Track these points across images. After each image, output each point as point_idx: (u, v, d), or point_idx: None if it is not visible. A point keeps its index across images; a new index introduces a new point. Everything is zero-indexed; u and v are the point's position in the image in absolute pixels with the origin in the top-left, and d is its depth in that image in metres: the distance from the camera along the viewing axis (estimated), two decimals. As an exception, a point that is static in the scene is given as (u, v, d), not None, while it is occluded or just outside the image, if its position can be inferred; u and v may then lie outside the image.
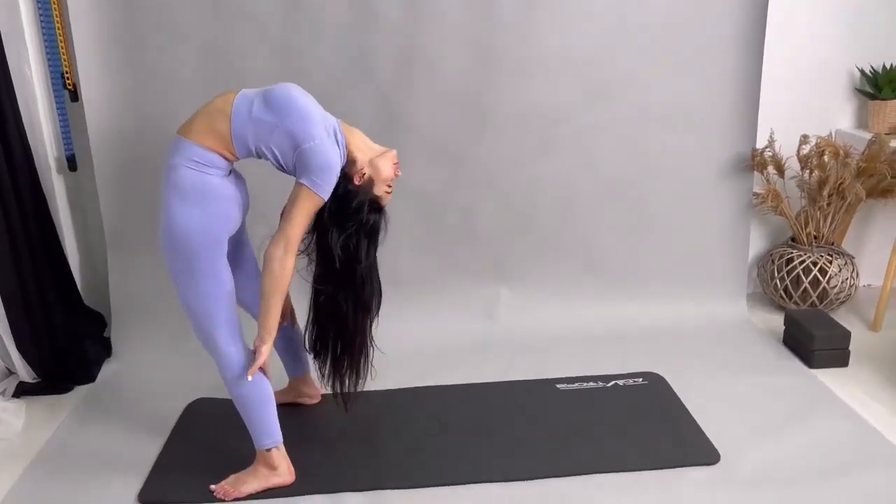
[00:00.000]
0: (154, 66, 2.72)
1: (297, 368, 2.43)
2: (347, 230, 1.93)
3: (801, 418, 2.37)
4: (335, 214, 1.93)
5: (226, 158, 1.91)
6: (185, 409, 2.47)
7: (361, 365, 2.11)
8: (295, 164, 1.88)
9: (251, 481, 2.03)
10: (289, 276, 1.88)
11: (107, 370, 2.77)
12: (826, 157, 2.92)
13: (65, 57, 2.70)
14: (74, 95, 2.73)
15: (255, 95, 1.89)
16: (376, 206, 1.98)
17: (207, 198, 1.87)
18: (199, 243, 1.87)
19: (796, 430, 2.31)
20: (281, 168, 1.94)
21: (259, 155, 1.91)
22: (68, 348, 2.70)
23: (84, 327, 2.80)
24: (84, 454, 2.26)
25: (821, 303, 3.09)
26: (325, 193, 1.87)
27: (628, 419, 2.37)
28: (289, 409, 2.37)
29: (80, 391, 2.65)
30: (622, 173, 3.01)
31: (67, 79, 2.71)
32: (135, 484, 2.10)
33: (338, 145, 1.93)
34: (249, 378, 1.92)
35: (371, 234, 1.98)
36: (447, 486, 2.07)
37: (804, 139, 2.97)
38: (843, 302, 3.13)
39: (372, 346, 2.11)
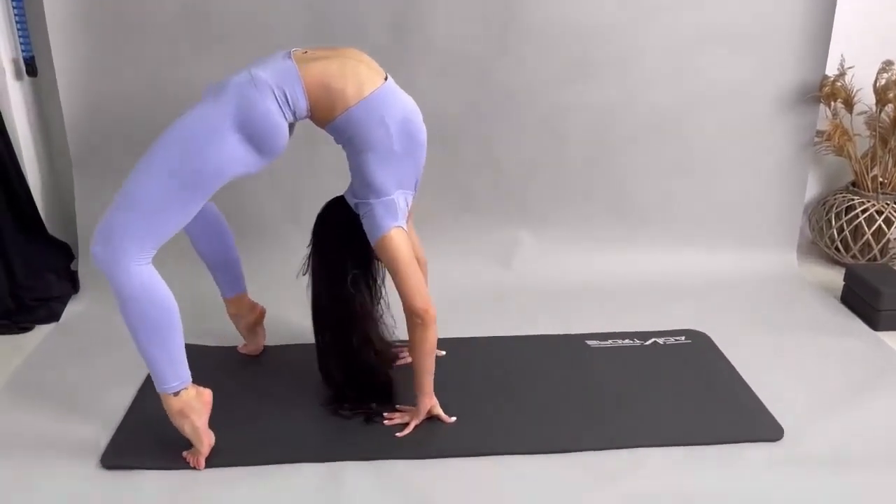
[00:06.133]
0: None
1: (233, 287, 2.06)
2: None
3: (870, 387, 2.05)
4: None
5: (308, 115, 1.65)
6: (160, 357, 2.13)
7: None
8: (359, 210, 1.74)
9: (192, 439, 1.69)
10: (433, 341, 1.76)
11: (72, 308, 2.43)
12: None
13: (19, -62, 2.28)
14: (31, -15, 2.32)
15: (404, 105, 1.69)
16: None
17: (265, 145, 1.59)
18: (214, 173, 1.55)
19: (867, 401, 1.99)
20: (344, 147, 1.73)
21: (337, 140, 1.71)
22: (29, 283, 2.36)
23: (47, 260, 2.46)
24: (41, 406, 1.93)
25: (881, 257, 2.75)
26: (393, 222, 1.70)
27: (673, 384, 2.05)
28: (276, 369, 2.04)
29: (42, 331, 2.32)
30: (667, 103, 2.63)
31: (22, -35, 2.30)
32: (100, 444, 1.77)
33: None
34: None
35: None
36: (464, 458, 1.75)
37: (886, 66, 2.57)
38: (905, 257, 2.79)
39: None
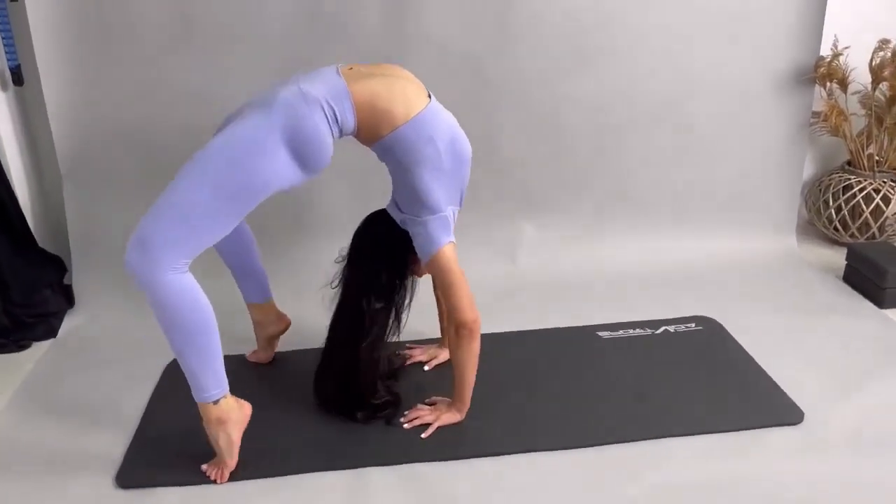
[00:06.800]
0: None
1: (259, 294, 2.02)
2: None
3: (884, 365, 2.07)
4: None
5: (354, 133, 1.64)
6: (167, 369, 2.08)
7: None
8: (409, 226, 1.71)
9: (222, 449, 1.64)
10: (478, 350, 1.75)
11: (69, 323, 2.36)
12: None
13: (-2, -57, 2.19)
14: (13, -8, 2.24)
15: (449, 124, 1.69)
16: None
17: (310, 161, 1.55)
18: (258, 187, 1.52)
19: (883, 379, 2.00)
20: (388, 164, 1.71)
21: (381, 157, 1.69)
22: (24, 299, 2.28)
23: (40, 274, 2.37)
24: (48, 424, 1.87)
25: (879, 235, 2.77)
26: (447, 237, 1.69)
27: (690, 372, 2.04)
28: (288, 375, 2.01)
29: (40, 348, 2.25)
30: (664, 90, 2.61)
31: (3, -29, 2.22)
32: (111, 463, 1.72)
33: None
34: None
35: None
36: (489, 458, 1.73)
37: (882, 44, 2.57)
38: (903, 234, 2.81)
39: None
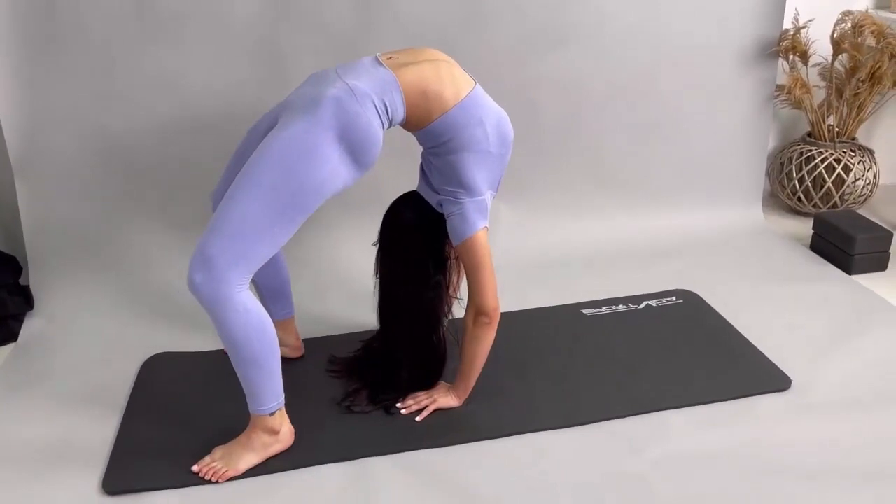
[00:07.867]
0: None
1: (283, 310, 1.97)
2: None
3: (861, 330, 2.13)
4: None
5: (403, 121, 1.60)
6: (141, 369, 1.99)
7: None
8: (445, 207, 1.66)
9: (247, 454, 1.60)
10: (491, 340, 1.73)
11: (30, 326, 2.23)
12: (863, 38, 2.60)
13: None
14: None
15: (495, 108, 1.67)
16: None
17: (362, 157, 1.52)
18: (317, 191, 1.48)
19: (862, 343, 2.06)
20: (425, 143, 1.66)
21: (424, 141, 1.65)
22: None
23: (-4, 275, 2.24)
24: (21, 433, 1.76)
25: (841, 203, 2.84)
26: (483, 222, 1.65)
27: (675, 345, 2.06)
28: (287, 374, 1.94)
29: (1, 353, 2.12)
30: (634, 67, 2.61)
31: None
32: (94, 469, 1.63)
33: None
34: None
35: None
36: (488, 441, 1.71)
37: (844, 16, 2.63)
38: (863, 202, 2.89)
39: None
